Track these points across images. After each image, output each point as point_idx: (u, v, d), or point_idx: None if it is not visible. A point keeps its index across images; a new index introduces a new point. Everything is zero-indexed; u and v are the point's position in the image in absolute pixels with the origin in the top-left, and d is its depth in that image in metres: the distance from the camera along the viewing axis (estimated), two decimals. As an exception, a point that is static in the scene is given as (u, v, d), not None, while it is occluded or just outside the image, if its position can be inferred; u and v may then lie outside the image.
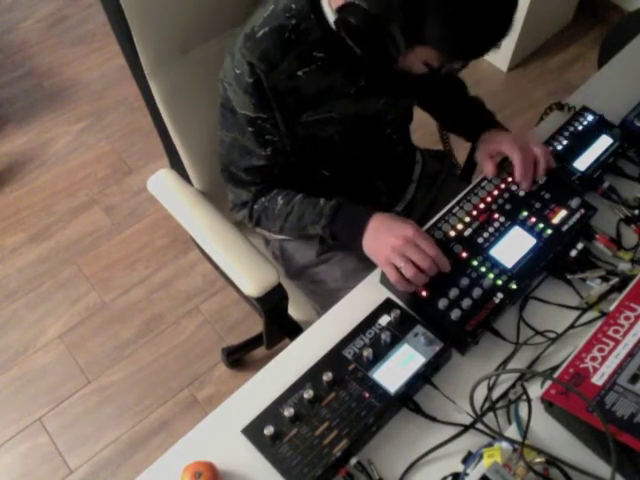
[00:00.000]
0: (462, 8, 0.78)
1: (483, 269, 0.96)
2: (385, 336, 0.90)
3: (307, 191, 1.10)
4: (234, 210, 1.17)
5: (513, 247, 0.99)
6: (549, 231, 1.01)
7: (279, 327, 1.24)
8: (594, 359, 0.84)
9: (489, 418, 0.86)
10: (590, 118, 1.17)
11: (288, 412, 0.83)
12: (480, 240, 1.00)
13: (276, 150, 1.05)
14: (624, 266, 0.99)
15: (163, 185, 1.25)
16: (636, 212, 1.07)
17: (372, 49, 0.86)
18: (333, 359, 0.89)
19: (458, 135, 1.28)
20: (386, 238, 0.95)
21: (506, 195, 1.06)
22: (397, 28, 0.81)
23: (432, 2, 0.78)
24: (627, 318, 0.87)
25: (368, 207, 1.02)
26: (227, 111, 1.03)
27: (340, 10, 0.85)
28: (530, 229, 1.01)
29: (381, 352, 0.89)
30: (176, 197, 1.23)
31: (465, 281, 0.95)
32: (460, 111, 1.26)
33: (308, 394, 0.84)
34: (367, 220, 0.99)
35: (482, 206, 1.04)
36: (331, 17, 0.93)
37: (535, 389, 0.87)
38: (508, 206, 1.04)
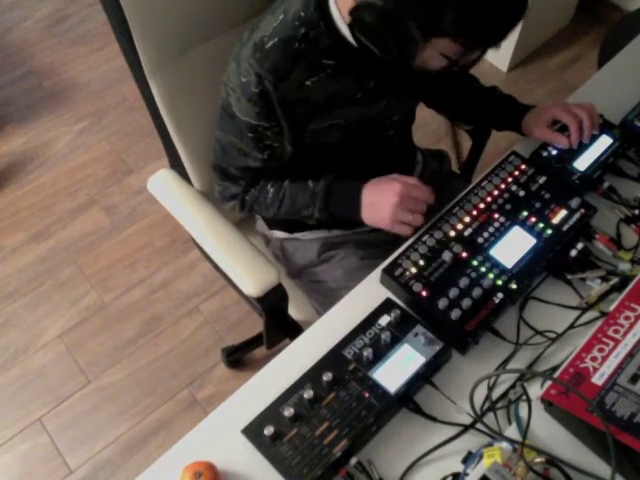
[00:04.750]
0: None
1: (483, 269, 0.97)
2: (385, 336, 0.90)
3: None
4: (221, 201, 1.18)
5: (513, 247, 0.99)
6: (549, 231, 1.01)
7: (279, 327, 1.24)
8: (594, 359, 0.84)
9: (489, 418, 0.86)
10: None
11: (288, 412, 0.83)
12: (480, 240, 1.00)
13: (273, 155, 1.06)
14: (624, 266, 0.99)
15: (163, 185, 1.25)
16: (636, 212, 1.07)
17: (389, 46, 0.85)
18: (333, 359, 0.89)
19: (492, 127, 1.32)
20: (384, 203, 0.99)
21: (506, 195, 1.06)
22: (413, 22, 0.80)
23: None
24: (627, 318, 0.87)
25: (356, 181, 1.06)
26: (226, 114, 1.03)
27: (354, 11, 0.84)
28: (530, 229, 1.01)
29: (381, 352, 0.89)
30: (176, 197, 1.23)
31: (465, 281, 0.95)
32: (491, 103, 1.25)
33: (308, 394, 0.84)
34: (359, 195, 1.04)
35: (482, 206, 1.04)
36: (341, 24, 0.93)
37: (535, 389, 0.87)
38: (508, 206, 1.04)
